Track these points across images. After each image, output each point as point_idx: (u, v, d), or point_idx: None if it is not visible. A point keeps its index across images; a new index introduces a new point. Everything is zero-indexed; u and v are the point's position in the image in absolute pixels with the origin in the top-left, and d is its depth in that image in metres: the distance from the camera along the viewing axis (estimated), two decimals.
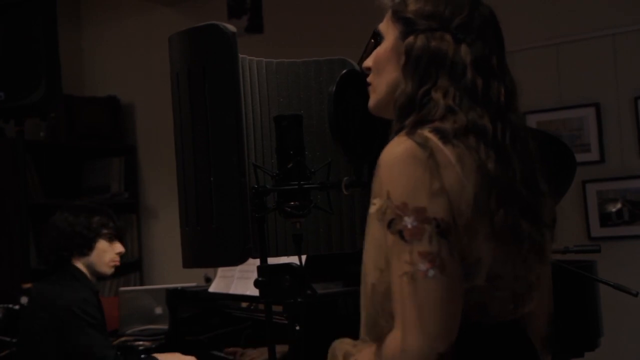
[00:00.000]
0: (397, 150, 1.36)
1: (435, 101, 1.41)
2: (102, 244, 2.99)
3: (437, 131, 1.38)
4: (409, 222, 1.32)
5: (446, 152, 1.35)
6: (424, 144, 1.35)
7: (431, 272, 1.31)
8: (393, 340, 1.33)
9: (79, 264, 2.96)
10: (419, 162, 1.34)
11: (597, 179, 3.86)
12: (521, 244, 1.40)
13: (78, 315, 2.79)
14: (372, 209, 1.39)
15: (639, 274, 3.65)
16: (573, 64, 3.93)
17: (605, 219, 3.84)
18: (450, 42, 1.44)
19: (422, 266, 1.31)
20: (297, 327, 2.05)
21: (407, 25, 1.48)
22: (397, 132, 1.44)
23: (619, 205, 3.82)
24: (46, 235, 3.02)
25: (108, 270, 3.03)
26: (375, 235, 1.40)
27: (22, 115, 3.24)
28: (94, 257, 2.97)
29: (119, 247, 3.05)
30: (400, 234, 1.33)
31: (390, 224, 1.34)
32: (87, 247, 2.96)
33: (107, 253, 3.01)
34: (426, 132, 1.37)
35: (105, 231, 3.00)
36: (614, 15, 3.85)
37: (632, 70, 3.81)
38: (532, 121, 3.85)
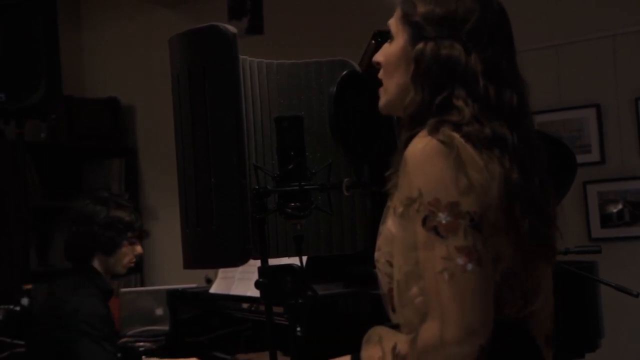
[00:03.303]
0: (423, 147, 1.37)
1: (460, 109, 1.41)
2: (125, 247, 2.96)
3: (460, 130, 1.38)
4: (443, 217, 1.34)
5: (470, 150, 1.36)
6: (449, 143, 1.36)
7: (469, 266, 1.32)
8: (430, 331, 1.34)
9: (97, 263, 2.92)
10: (446, 158, 1.35)
11: (597, 179, 3.86)
12: (537, 246, 1.42)
13: (80, 326, 2.73)
14: (404, 207, 1.39)
15: (639, 275, 3.65)
16: (573, 65, 3.93)
17: (606, 220, 3.84)
18: (460, 51, 1.43)
19: (460, 260, 1.32)
20: (298, 329, 2.05)
21: (416, 30, 1.47)
22: (413, 135, 1.44)
23: (619, 206, 3.82)
24: (72, 226, 2.95)
25: (123, 270, 3.01)
26: (393, 233, 1.41)
27: (23, 117, 3.24)
28: (114, 258, 2.94)
29: (138, 249, 3.03)
30: (435, 230, 1.34)
31: (424, 221, 1.35)
32: (111, 250, 2.93)
33: (127, 256, 2.98)
34: (449, 131, 1.38)
35: (131, 234, 2.97)
36: (613, 16, 3.85)
37: (632, 71, 3.82)
38: None
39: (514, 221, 1.38)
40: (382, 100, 1.57)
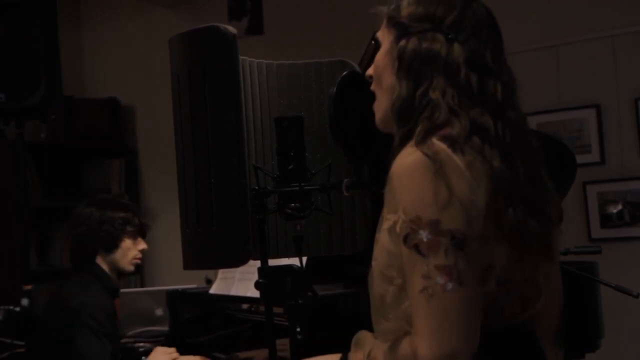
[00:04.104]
0: (407, 161, 1.36)
1: (436, 102, 1.41)
2: (126, 242, 2.98)
3: (446, 139, 1.37)
4: (424, 235, 1.32)
5: (456, 161, 1.35)
6: (433, 157, 1.34)
7: (449, 286, 1.31)
8: (411, 347, 1.33)
9: (102, 261, 2.95)
10: (428, 174, 1.33)
11: (597, 180, 3.86)
12: (530, 245, 1.40)
13: (84, 320, 2.76)
14: (386, 224, 1.38)
15: (639, 275, 3.64)
16: (573, 65, 3.93)
17: (606, 220, 3.84)
18: (442, 42, 1.44)
19: (440, 280, 1.31)
20: (298, 329, 2.05)
21: (400, 30, 1.48)
22: (403, 139, 1.44)
23: (619, 207, 3.82)
24: (71, 230, 2.99)
25: (130, 267, 3.02)
26: (386, 246, 1.39)
27: (23, 118, 3.24)
28: (117, 254, 2.96)
29: (142, 244, 3.04)
30: (417, 248, 1.33)
31: (405, 239, 1.34)
32: (112, 245, 2.94)
33: (130, 251, 3.00)
34: (435, 142, 1.37)
35: (130, 229, 2.99)
36: (613, 17, 3.85)
37: (632, 71, 3.81)
38: (532, 123, 3.82)
39: (499, 215, 1.36)
40: (377, 117, 1.56)
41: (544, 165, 1.48)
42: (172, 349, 2.72)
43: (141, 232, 3.05)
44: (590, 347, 2.75)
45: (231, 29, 1.67)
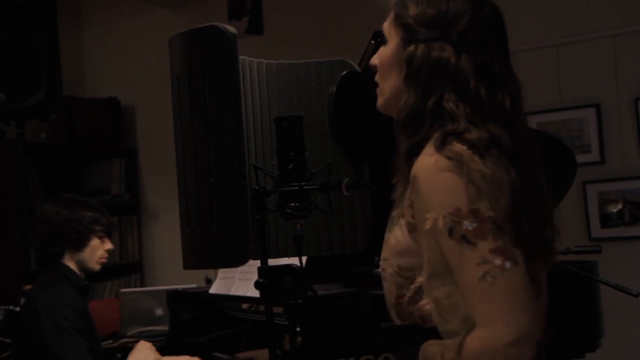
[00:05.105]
0: (431, 164, 1.37)
1: (451, 112, 1.41)
2: (95, 241, 2.95)
3: (466, 141, 1.38)
4: (468, 224, 1.34)
5: (478, 162, 1.36)
6: (457, 158, 1.36)
7: (508, 264, 1.32)
8: (483, 338, 1.32)
9: (69, 260, 2.92)
10: (456, 173, 1.35)
11: (597, 179, 3.86)
12: (537, 250, 1.42)
13: (54, 319, 2.73)
14: (428, 224, 1.38)
15: (639, 275, 3.65)
16: (573, 64, 3.93)
17: (606, 220, 3.84)
18: (451, 53, 1.43)
19: (498, 261, 1.32)
20: (298, 329, 2.05)
21: (408, 33, 1.47)
22: (412, 148, 1.43)
23: (619, 206, 3.82)
24: (37, 228, 2.97)
25: (97, 267, 2.99)
26: (428, 250, 1.40)
27: (23, 117, 3.25)
28: (86, 253, 2.93)
29: (108, 245, 3.02)
30: (464, 238, 1.34)
31: (450, 232, 1.35)
32: (81, 244, 2.94)
33: (98, 250, 2.97)
34: (456, 144, 1.38)
35: (98, 228, 2.97)
36: (613, 16, 3.86)
37: (632, 71, 3.82)
38: (532, 122, 3.83)
39: (517, 223, 1.37)
40: (380, 101, 1.58)
41: (543, 172, 1.49)
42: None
43: (108, 232, 3.03)
44: (590, 347, 2.75)
45: (231, 28, 1.67)
